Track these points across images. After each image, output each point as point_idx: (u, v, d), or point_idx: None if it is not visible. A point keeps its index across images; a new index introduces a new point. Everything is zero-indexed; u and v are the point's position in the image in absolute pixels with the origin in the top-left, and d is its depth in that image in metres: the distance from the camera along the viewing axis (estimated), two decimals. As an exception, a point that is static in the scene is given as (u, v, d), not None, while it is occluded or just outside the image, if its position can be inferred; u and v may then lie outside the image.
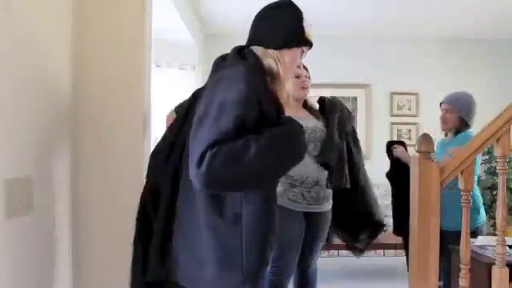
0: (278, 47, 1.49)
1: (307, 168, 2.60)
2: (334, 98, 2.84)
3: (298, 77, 2.67)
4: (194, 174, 1.28)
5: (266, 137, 1.30)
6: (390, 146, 2.95)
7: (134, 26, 1.90)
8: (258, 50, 1.50)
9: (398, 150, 2.84)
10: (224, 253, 1.36)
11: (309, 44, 1.57)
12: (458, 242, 2.32)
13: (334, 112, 2.70)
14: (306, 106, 2.77)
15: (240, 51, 1.52)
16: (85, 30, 1.85)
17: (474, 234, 2.47)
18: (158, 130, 4.12)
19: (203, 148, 1.26)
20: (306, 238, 2.71)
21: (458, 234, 2.28)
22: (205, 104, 1.38)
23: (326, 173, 2.63)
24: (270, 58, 1.49)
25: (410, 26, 5.33)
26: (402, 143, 2.91)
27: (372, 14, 4.86)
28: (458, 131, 2.77)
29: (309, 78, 2.74)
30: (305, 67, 2.73)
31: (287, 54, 1.51)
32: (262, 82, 1.41)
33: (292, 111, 2.37)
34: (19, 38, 1.38)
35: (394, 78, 5.81)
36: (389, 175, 2.93)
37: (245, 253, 1.36)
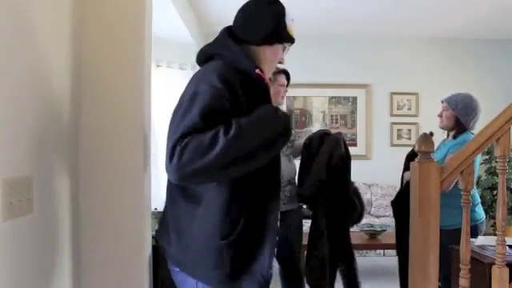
0: (258, 44, 1.52)
1: (282, 167, 2.66)
2: (337, 134, 2.81)
3: (283, 85, 2.77)
4: (166, 169, 1.32)
5: (234, 127, 1.29)
6: (409, 161, 2.78)
7: (134, 26, 1.90)
8: (239, 46, 1.51)
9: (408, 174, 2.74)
10: None
11: (290, 40, 1.59)
12: (451, 241, 2.32)
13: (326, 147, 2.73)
14: None
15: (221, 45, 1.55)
16: (85, 29, 1.85)
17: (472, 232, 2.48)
18: (158, 129, 4.14)
19: (173, 142, 1.30)
20: (283, 238, 2.72)
21: (450, 232, 2.29)
22: (179, 99, 1.45)
23: (295, 173, 2.79)
24: (254, 51, 1.52)
25: (409, 25, 5.34)
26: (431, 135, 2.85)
27: (372, 14, 4.86)
28: (456, 133, 2.80)
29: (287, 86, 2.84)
30: (287, 76, 2.80)
31: (268, 50, 1.54)
32: (235, 72, 1.42)
33: None
34: (19, 38, 1.38)
35: (394, 78, 5.82)
36: (393, 202, 2.86)
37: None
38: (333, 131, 2.86)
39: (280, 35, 1.54)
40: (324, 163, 2.62)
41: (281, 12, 1.54)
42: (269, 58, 1.55)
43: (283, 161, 2.67)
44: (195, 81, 1.43)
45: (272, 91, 2.71)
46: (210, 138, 1.26)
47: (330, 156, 2.63)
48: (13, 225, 1.34)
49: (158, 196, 4.04)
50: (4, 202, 1.28)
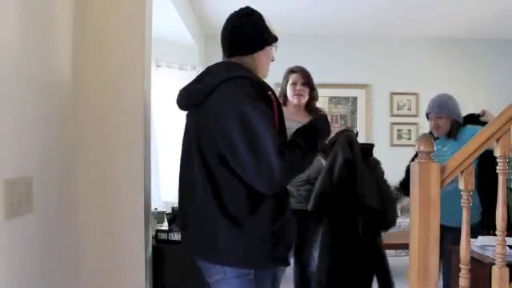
0: (253, 52, 1.70)
1: None
2: (345, 136, 2.58)
3: (294, 84, 2.75)
4: (268, 182, 1.48)
5: (301, 143, 1.58)
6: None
7: (134, 26, 1.91)
8: (238, 59, 1.69)
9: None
10: None
11: (276, 39, 1.77)
12: (447, 237, 2.33)
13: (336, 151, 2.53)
14: (311, 110, 2.84)
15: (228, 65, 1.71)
16: (85, 30, 1.85)
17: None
18: (158, 129, 4.14)
19: (276, 159, 1.46)
20: (299, 238, 2.71)
21: (448, 229, 2.30)
22: (238, 115, 1.51)
23: (317, 172, 2.63)
24: (248, 61, 1.69)
25: (410, 26, 5.33)
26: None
27: (372, 13, 4.86)
28: (454, 132, 2.86)
29: (307, 84, 2.78)
30: (306, 75, 2.78)
31: (261, 55, 1.72)
32: (262, 90, 1.60)
33: (290, 114, 2.49)
34: (20, 39, 1.38)
35: (394, 78, 5.82)
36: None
37: None
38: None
39: (267, 38, 1.73)
40: (327, 173, 2.47)
41: (260, 19, 1.72)
42: (263, 60, 1.74)
43: None
44: (246, 99, 1.52)
45: (288, 88, 2.77)
46: (295, 154, 1.54)
47: (331, 165, 2.46)
48: (13, 224, 1.34)
49: (158, 196, 4.05)
50: (5, 201, 1.28)
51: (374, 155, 2.69)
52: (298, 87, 2.76)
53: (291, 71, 2.82)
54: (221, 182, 1.56)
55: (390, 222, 2.55)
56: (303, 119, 2.66)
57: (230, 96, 1.54)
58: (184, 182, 1.69)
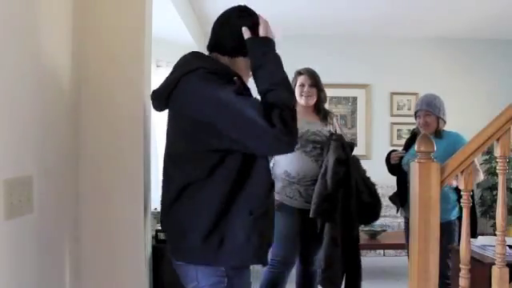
0: (232, 55, 1.61)
1: (305, 166, 2.65)
2: (338, 137, 2.71)
3: (302, 85, 2.77)
4: (278, 143, 1.40)
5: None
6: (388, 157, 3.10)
7: (134, 26, 1.90)
8: (216, 56, 1.62)
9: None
10: None
11: None
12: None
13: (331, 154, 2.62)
14: (319, 111, 2.87)
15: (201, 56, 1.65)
16: (85, 29, 1.85)
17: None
18: (158, 129, 4.13)
19: (263, 119, 1.39)
20: (304, 237, 2.72)
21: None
22: (210, 107, 1.45)
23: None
24: (225, 60, 1.60)
25: (409, 26, 5.34)
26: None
27: (372, 13, 4.86)
28: (437, 131, 2.98)
29: (315, 86, 2.80)
30: (313, 76, 2.81)
31: (242, 60, 1.60)
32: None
33: (299, 115, 2.54)
34: (20, 38, 1.38)
35: (394, 78, 5.82)
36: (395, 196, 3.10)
37: None
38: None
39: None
40: (323, 176, 2.55)
41: (248, 24, 1.60)
42: (242, 66, 1.61)
43: (307, 161, 2.68)
44: (212, 85, 1.47)
45: (296, 90, 2.77)
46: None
47: (324, 170, 2.57)
48: (13, 224, 1.34)
49: (158, 196, 4.05)
50: (5, 201, 1.28)
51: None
52: (305, 89, 2.80)
53: (299, 73, 2.85)
54: (191, 181, 1.53)
55: (378, 216, 2.74)
56: (312, 120, 2.79)
57: (194, 88, 1.48)
58: (163, 182, 1.69)
